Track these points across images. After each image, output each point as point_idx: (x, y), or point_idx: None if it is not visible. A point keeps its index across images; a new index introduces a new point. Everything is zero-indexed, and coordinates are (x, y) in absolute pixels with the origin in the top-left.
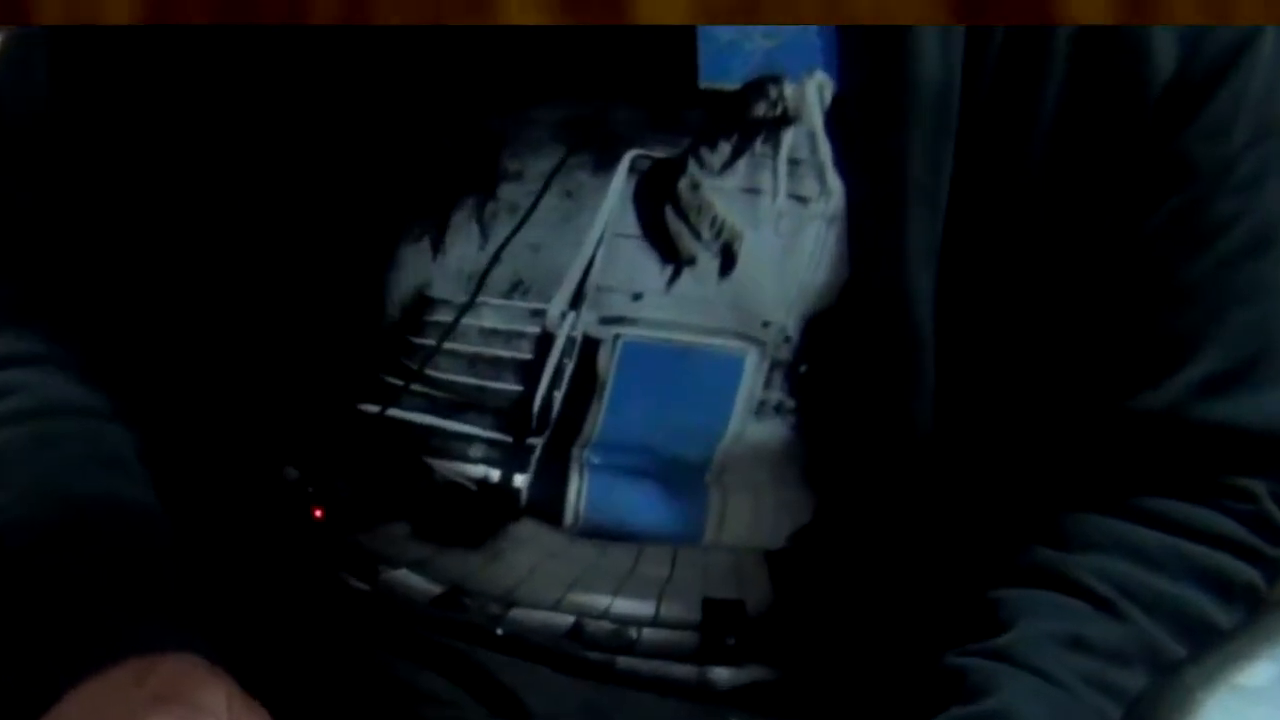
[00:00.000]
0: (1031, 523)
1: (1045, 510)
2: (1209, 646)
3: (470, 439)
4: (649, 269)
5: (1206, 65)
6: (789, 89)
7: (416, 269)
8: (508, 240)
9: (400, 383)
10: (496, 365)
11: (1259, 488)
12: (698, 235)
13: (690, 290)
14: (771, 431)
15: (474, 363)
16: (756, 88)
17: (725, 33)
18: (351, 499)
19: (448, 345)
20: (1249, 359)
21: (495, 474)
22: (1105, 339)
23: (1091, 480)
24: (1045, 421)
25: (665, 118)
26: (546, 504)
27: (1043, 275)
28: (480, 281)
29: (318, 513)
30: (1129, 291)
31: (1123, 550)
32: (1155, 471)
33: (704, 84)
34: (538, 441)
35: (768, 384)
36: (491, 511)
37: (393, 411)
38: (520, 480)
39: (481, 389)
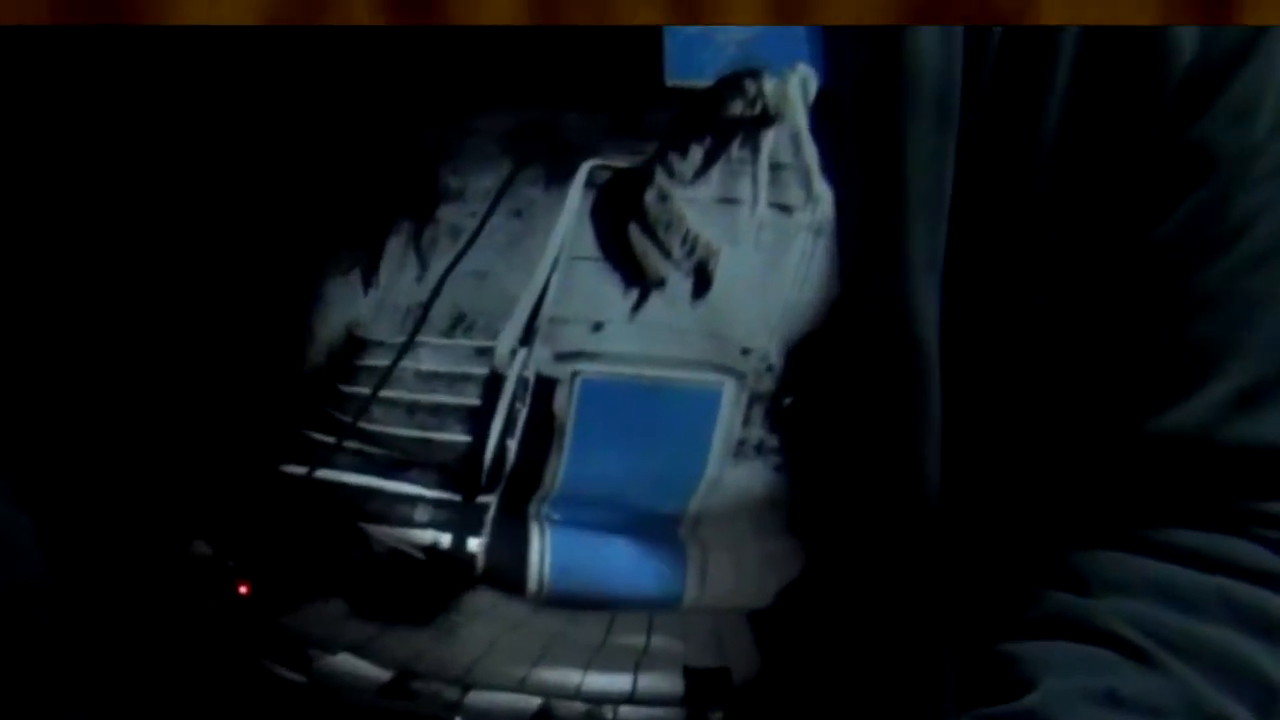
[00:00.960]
0: (1045, 565)
1: (1060, 550)
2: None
3: (414, 500)
4: (611, 295)
5: (1227, 46)
6: (768, 84)
7: (345, 306)
8: (449, 269)
9: (330, 439)
10: (440, 413)
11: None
12: (667, 254)
13: (659, 317)
14: (753, 475)
15: (414, 412)
16: (731, 84)
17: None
18: (277, 575)
19: (384, 393)
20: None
21: (445, 538)
22: (1121, 355)
23: (1110, 513)
24: (1060, 449)
25: (627, 122)
26: (506, 570)
27: (1055, 286)
28: (420, 319)
29: (243, 588)
30: (1145, 300)
31: (1152, 591)
32: (1181, 500)
33: (671, 81)
34: (491, 499)
35: (747, 421)
36: (443, 582)
37: (322, 473)
38: (475, 544)
39: (425, 442)
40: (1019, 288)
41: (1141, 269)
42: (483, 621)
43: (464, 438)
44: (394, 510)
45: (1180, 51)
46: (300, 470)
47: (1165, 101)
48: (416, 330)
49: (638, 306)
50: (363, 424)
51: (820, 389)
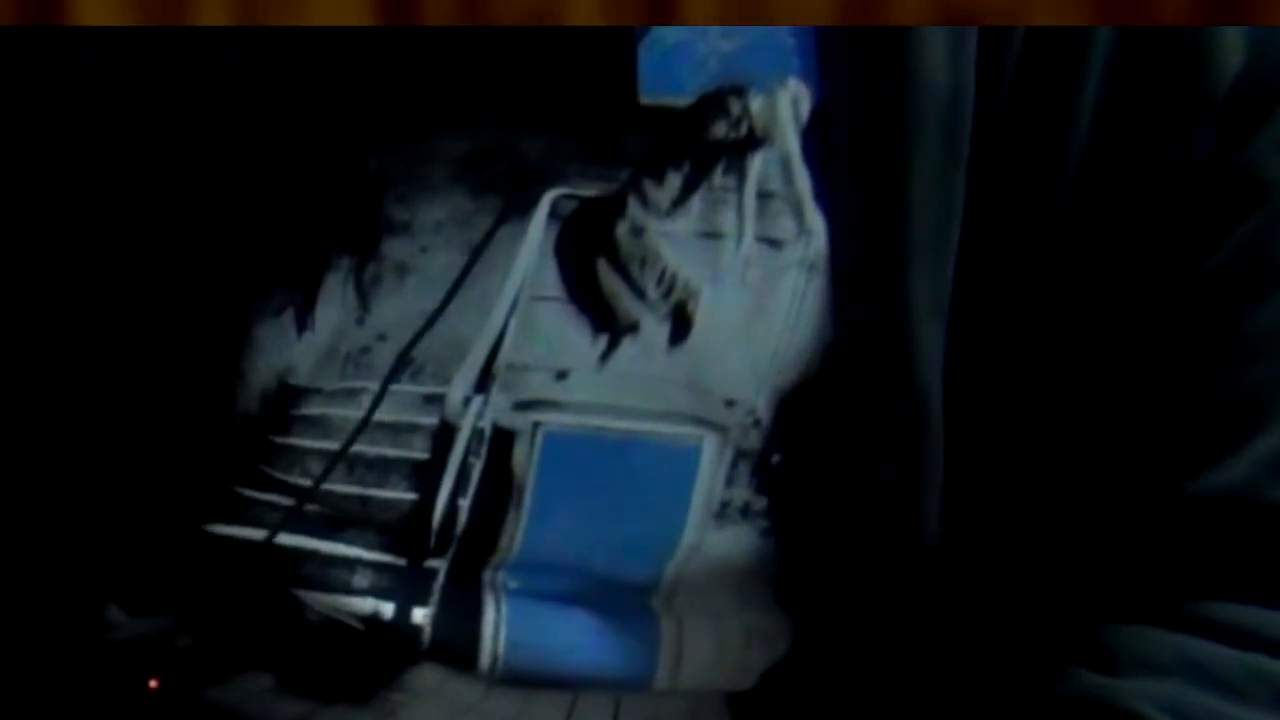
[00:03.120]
0: (1068, 641)
1: (1085, 624)
2: None
3: (352, 563)
4: (577, 341)
5: (1272, 61)
6: (755, 102)
7: (276, 351)
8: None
9: (260, 495)
10: (384, 468)
11: None
12: (641, 294)
13: (631, 365)
14: (737, 541)
15: (355, 466)
16: (713, 102)
17: (672, 34)
18: (197, 649)
19: (319, 445)
20: None
21: (388, 608)
22: (1156, 406)
23: (1143, 583)
24: (1083, 512)
25: (596, 145)
26: (455, 644)
27: (1078, 332)
28: (394, 367)
29: (153, 683)
30: (1185, 346)
31: (1186, 670)
32: (1221, 569)
33: (646, 99)
34: (440, 564)
35: (730, 480)
36: (384, 656)
37: (250, 532)
38: (421, 615)
39: (365, 499)
40: (1038, 334)
41: (1180, 310)
42: (428, 702)
43: (410, 495)
44: (330, 575)
45: (1226, 62)
46: (226, 529)
47: (1210, 119)
48: (383, 391)
49: (607, 354)
50: (296, 479)
51: (813, 446)
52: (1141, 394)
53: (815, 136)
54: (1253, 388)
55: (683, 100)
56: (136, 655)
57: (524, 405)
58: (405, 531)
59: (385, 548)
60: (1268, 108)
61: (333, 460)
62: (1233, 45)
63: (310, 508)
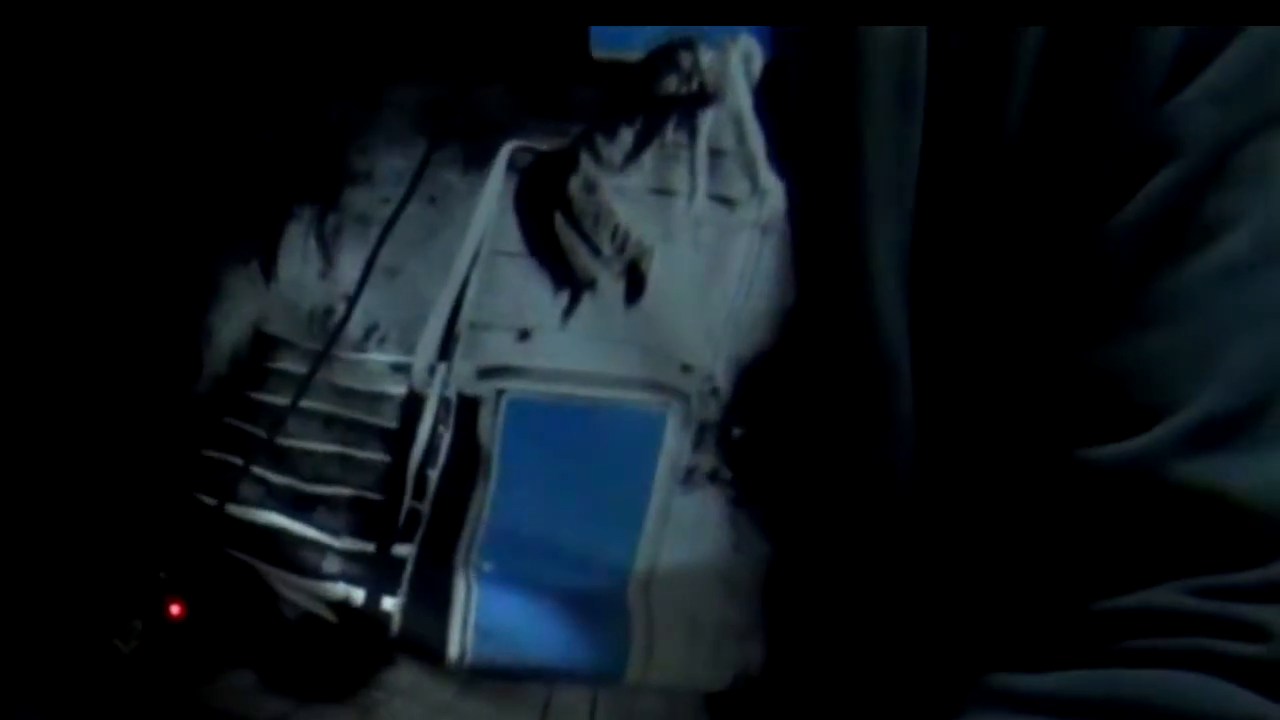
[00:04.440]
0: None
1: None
2: None
3: (323, 548)
4: (539, 296)
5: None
6: (706, 57)
7: (247, 300)
8: (365, 277)
9: (237, 460)
10: (361, 431)
11: (1271, 618)
12: (596, 251)
13: (592, 326)
14: (705, 508)
15: (333, 425)
16: (664, 56)
17: None
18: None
19: (301, 403)
20: (1257, 403)
21: (358, 594)
22: (1070, 369)
23: (1043, 564)
24: (1023, 477)
25: (549, 98)
26: (424, 633)
27: (1023, 284)
28: (335, 332)
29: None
30: (1104, 305)
31: None
32: (1116, 547)
33: (598, 53)
34: (409, 550)
35: (697, 445)
36: (358, 649)
37: (230, 508)
38: (390, 604)
39: (344, 459)
40: (988, 288)
41: (1094, 265)
42: (407, 700)
43: (382, 458)
44: (301, 557)
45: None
46: (206, 500)
47: (1141, 79)
48: (330, 343)
49: (569, 310)
50: (277, 439)
51: (774, 419)
52: (1063, 354)
53: (767, 94)
54: (1164, 356)
55: (635, 54)
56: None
57: (488, 373)
58: (374, 510)
59: (354, 531)
60: (1195, 66)
61: (283, 412)
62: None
63: (281, 478)
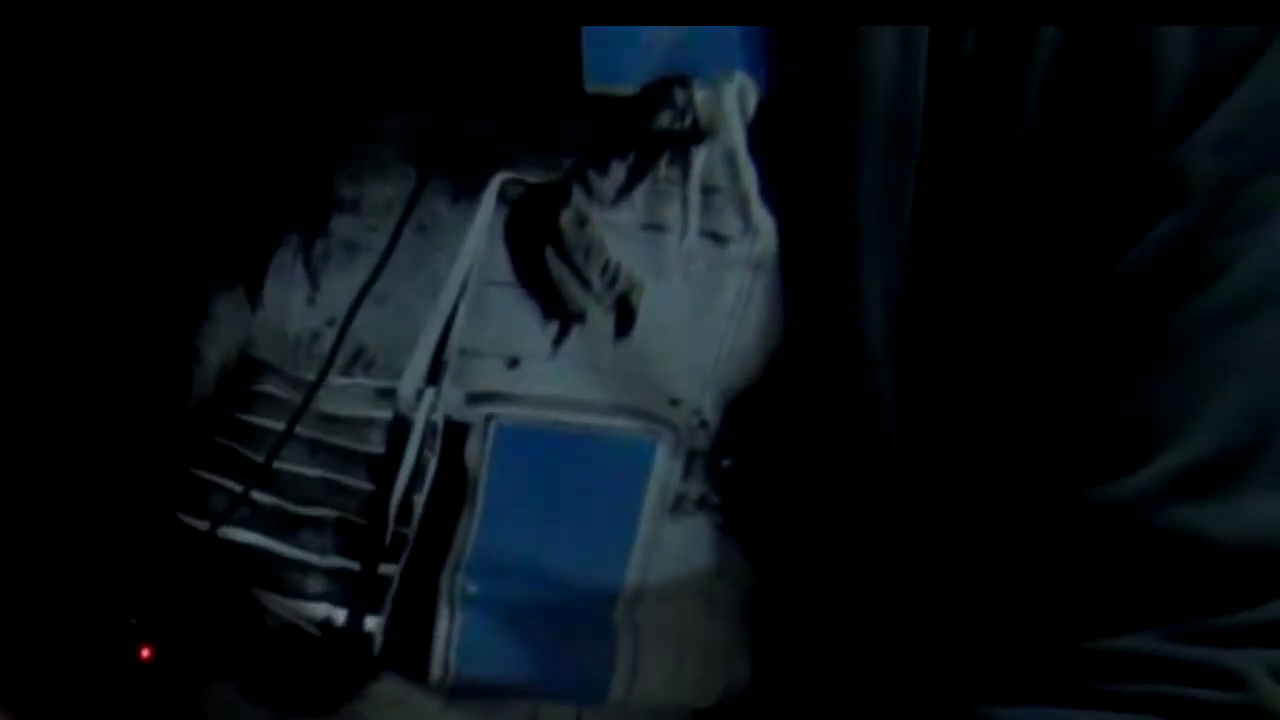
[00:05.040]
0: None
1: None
2: None
3: (306, 568)
4: (528, 326)
5: (1221, 68)
6: (700, 94)
7: (235, 323)
8: (356, 305)
9: (225, 481)
10: (346, 456)
11: (1247, 666)
12: (586, 284)
13: (581, 355)
14: (694, 535)
15: (318, 451)
16: (658, 92)
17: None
18: (164, 654)
19: (279, 426)
20: (1243, 451)
21: (340, 614)
22: (1073, 408)
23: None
24: (1013, 514)
25: (541, 130)
26: (407, 653)
27: (1022, 327)
28: (327, 361)
29: (145, 652)
30: (1107, 343)
31: None
32: (1105, 590)
33: (591, 87)
34: (394, 570)
35: (687, 474)
36: (340, 665)
37: (212, 527)
38: (372, 623)
39: (329, 484)
40: (982, 327)
41: (1092, 308)
42: (392, 713)
43: (367, 485)
44: (284, 578)
45: (1171, 67)
46: (193, 522)
47: (1150, 122)
48: (323, 376)
49: (558, 340)
50: (264, 461)
51: (763, 452)
52: (1055, 394)
53: (762, 131)
54: (1165, 396)
55: (628, 89)
56: (127, 631)
57: (476, 398)
58: (360, 532)
59: (339, 550)
60: (1204, 109)
61: (273, 436)
62: (1177, 54)
63: (268, 498)
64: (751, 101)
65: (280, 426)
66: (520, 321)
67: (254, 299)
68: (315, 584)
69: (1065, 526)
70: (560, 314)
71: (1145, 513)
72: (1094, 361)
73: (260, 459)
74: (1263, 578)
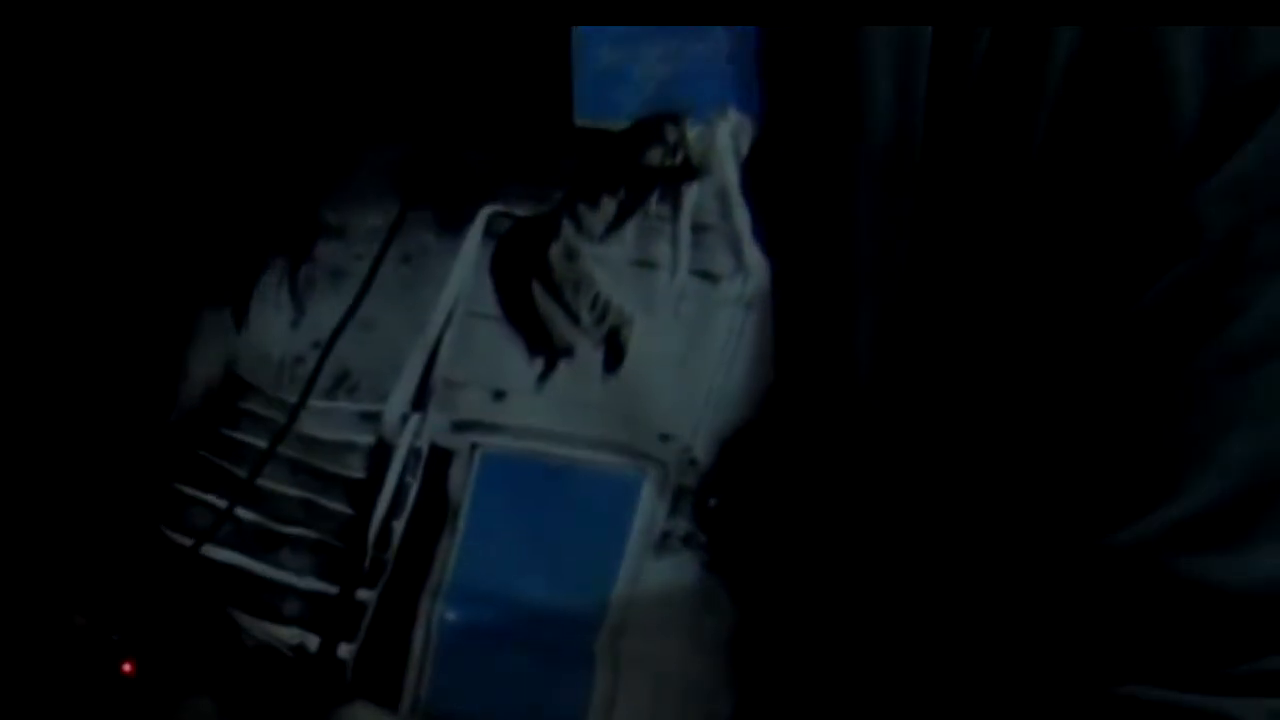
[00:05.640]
0: None
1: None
2: None
3: (284, 590)
4: (514, 360)
5: (1235, 112)
6: (693, 131)
7: (221, 340)
8: (340, 328)
9: (208, 496)
10: (326, 479)
11: (1248, 714)
12: (575, 319)
13: (568, 391)
14: (679, 572)
15: (299, 471)
16: (648, 128)
17: (608, 54)
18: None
19: (262, 444)
20: (1251, 498)
21: (313, 641)
22: (1086, 449)
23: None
24: (1022, 556)
25: (530, 164)
26: (378, 684)
27: (1029, 372)
28: (308, 381)
29: (127, 667)
30: (1115, 387)
31: None
32: (1125, 637)
33: (581, 121)
34: (371, 596)
35: (673, 511)
36: (312, 689)
37: (193, 542)
38: (345, 650)
39: (309, 505)
40: (988, 378)
41: (1118, 347)
42: None
43: (347, 509)
44: (260, 600)
45: (1185, 109)
46: (177, 538)
47: (1163, 165)
48: (304, 396)
49: (545, 375)
50: (246, 478)
51: (752, 494)
52: (1078, 438)
53: (756, 170)
54: (1161, 444)
55: (618, 124)
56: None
57: (462, 426)
58: (338, 554)
59: (317, 572)
60: (1218, 154)
61: (256, 453)
62: (1189, 92)
63: (250, 516)
64: (746, 140)
65: (264, 444)
66: (505, 355)
67: (239, 320)
68: (291, 607)
69: (1067, 571)
70: (546, 349)
71: (1150, 559)
72: (1100, 405)
73: (244, 475)
74: (1268, 626)
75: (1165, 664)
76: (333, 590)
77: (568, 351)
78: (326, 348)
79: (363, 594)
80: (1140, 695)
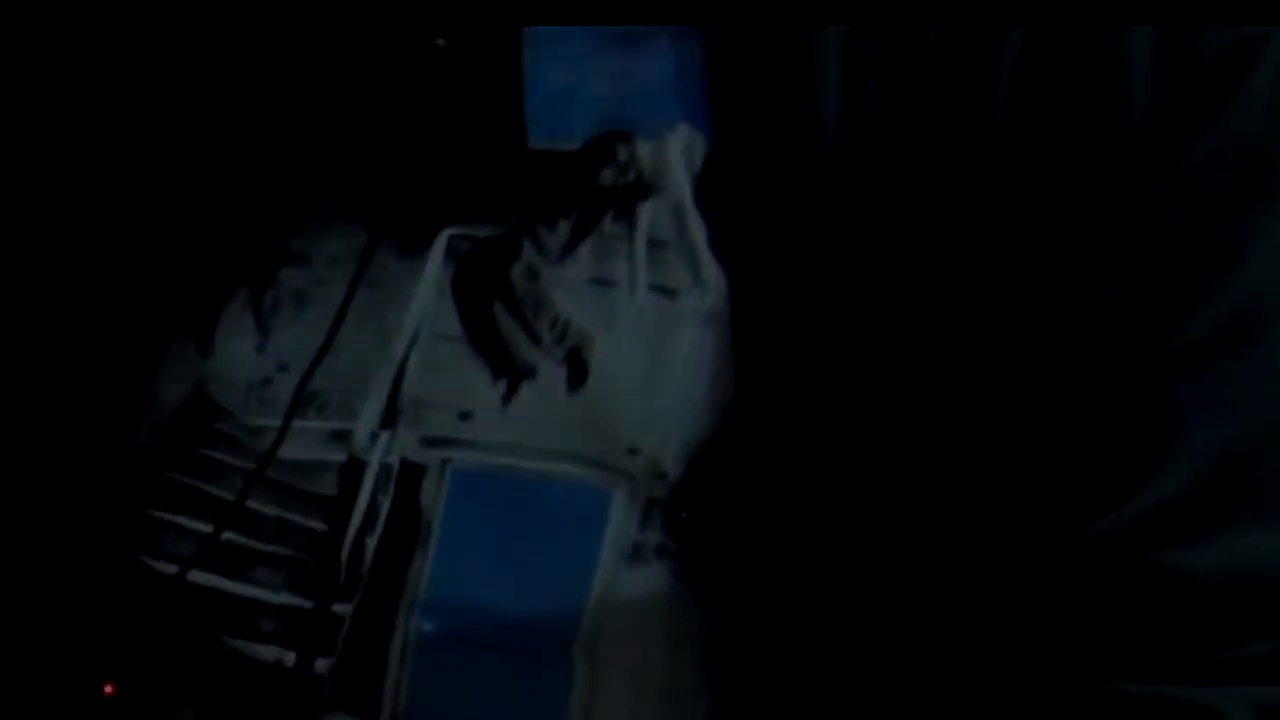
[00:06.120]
0: None
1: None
2: None
3: (260, 608)
4: (478, 381)
5: (1190, 92)
6: (643, 148)
7: (185, 373)
8: (319, 357)
9: (182, 520)
10: (301, 499)
11: (1228, 704)
12: (536, 339)
13: (534, 408)
14: (652, 582)
15: (274, 491)
16: (599, 148)
17: (561, 76)
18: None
19: (240, 462)
20: (1216, 488)
21: (290, 657)
22: (1040, 449)
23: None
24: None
25: (488, 187)
26: (357, 694)
27: (995, 370)
28: (289, 408)
29: (108, 688)
30: (1077, 384)
31: None
32: (1071, 646)
33: (535, 143)
34: (347, 610)
35: (645, 523)
36: (290, 705)
37: (169, 566)
38: (322, 666)
39: (285, 524)
40: (950, 379)
41: (1072, 344)
42: None
43: (320, 526)
44: (237, 619)
45: (1136, 95)
46: (154, 561)
47: (1117, 165)
48: (288, 420)
49: (508, 396)
50: (221, 493)
51: (721, 503)
52: (1032, 434)
53: (709, 184)
54: (1125, 438)
55: (572, 145)
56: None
57: (432, 442)
58: (313, 569)
59: (292, 588)
60: (1173, 153)
61: (248, 483)
62: (1143, 68)
63: (227, 535)
64: (698, 154)
65: (237, 463)
66: (470, 376)
67: (204, 350)
68: (267, 624)
69: (1039, 566)
70: (509, 370)
71: (1123, 552)
72: (1068, 400)
73: (219, 495)
74: (1240, 614)
75: (1150, 656)
76: (308, 605)
77: (530, 372)
78: (306, 375)
79: (339, 608)
80: (1131, 690)
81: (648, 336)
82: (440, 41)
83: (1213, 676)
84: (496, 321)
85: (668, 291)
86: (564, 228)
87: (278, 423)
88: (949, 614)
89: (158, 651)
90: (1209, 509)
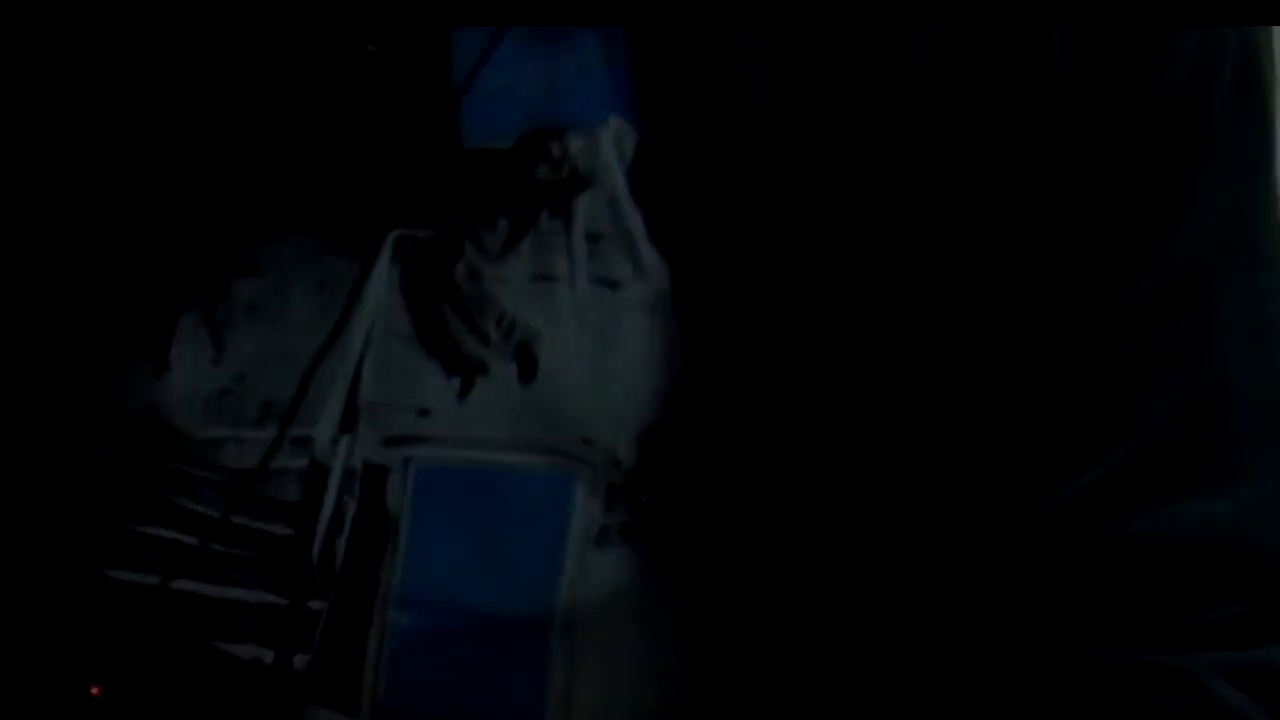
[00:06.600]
0: None
1: None
2: None
3: (236, 607)
4: (432, 380)
5: (1117, 64)
6: (575, 143)
7: (144, 388)
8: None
9: (150, 530)
10: (269, 507)
11: (1201, 669)
12: (484, 338)
13: (489, 402)
14: (622, 564)
15: (237, 500)
16: (532, 145)
17: (493, 77)
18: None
19: (200, 474)
20: (1171, 452)
21: (268, 655)
22: (997, 418)
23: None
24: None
25: (427, 190)
26: (337, 688)
27: (941, 338)
28: (285, 425)
29: (94, 690)
30: (1032, 348)
31: None
32: (1052, 618)
33: (470, 145)
34: (321, 606)
35: (609, 506)
36: (271, 701)
37: (140, 577)
38: (300, 661)
39: (254, 533)
40: (899, 344)
41: (1025, 307)
42: None
43: (288, 531)
44: (212, 620)
45: (1059, 74)
46: (120, 573)
47: (1046, 129)
48: (280, 436)
49: (463, 393)
50: (189, 504)
51: (680, 487)
52: (988, 404)
53: (642, 173)
54: (1087, 403)
55: (506, 144)
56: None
57: (394, 441)
58: (286, 571)
59: (267, 586)
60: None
61: (231, 501)
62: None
63: (197, 542)
64: (629, 145)
65: (201, 474)
66: (424, 375)
67: (159, 368)
68: (244, 622)
69: (1002, 536)
70: (462, 368)
71: (1084, 520)
72: (1015, 368)
73: (191, 507)
74: (1206, 578)
75: (1119, 624)
76: (284, 603)
77: (482, 368)
78: (246, 382)
79: (315, 604)
80: (1108, 659)
81: (593, 329)
82: (371, 48)
83: (1183, 643)
84: (445, 321)
85: (609, 283)
86: (503, 226)
87: (236, 433)
88: (916, 587)
89: (141, 655)
90: (1162, 472)
